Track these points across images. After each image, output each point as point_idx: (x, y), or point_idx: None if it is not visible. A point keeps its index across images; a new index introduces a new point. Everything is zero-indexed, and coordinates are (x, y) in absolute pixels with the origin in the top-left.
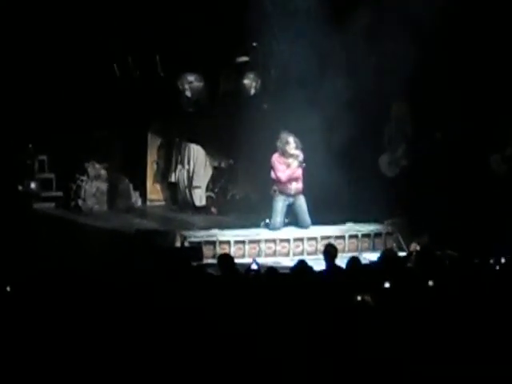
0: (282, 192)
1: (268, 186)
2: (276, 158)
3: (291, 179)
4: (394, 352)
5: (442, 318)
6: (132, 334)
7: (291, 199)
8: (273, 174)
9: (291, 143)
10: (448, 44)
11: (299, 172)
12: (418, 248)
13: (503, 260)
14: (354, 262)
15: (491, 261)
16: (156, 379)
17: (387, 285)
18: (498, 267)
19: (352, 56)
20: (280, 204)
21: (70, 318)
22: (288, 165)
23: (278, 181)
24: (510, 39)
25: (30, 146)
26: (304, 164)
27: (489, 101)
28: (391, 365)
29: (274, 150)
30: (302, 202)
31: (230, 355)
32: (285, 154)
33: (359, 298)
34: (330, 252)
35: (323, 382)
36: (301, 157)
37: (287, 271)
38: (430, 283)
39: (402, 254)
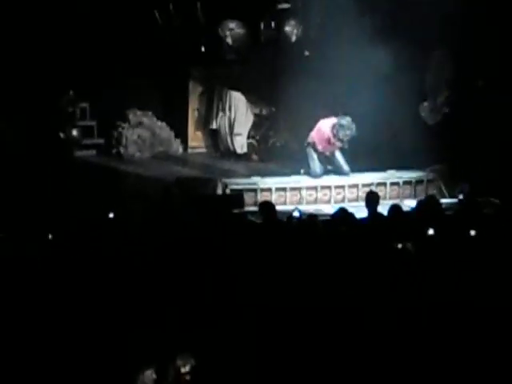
0: (313, 147)
1: (307, 135)
2: (326, 131)
3: (326, 149)
4: (434, 301)
5: (484, 266)
6: (175, 281)
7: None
8: (314, 135)
9: (347, 135)
10: None
11: (336, 149)
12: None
13: None
14: (395, 209)
15: None
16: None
17: (431, 232)
18: None
19: (394, 5)
20: (314, 152)
21: (113, 266)
22: (329, 141)
23: (312, 143)
24: None
25: (71, 92)
26: (344, 147)
27: None
28: (432, 314)
29: (329, 116)
30: (338, 153)
31: (271, 302)
32: (334, 133)
33: (400, 245)
34: (372, 199)
35: (364, 329)
36: (345, 144)
37: (328, 218)
38: (472, 233)
39: (444, 200)
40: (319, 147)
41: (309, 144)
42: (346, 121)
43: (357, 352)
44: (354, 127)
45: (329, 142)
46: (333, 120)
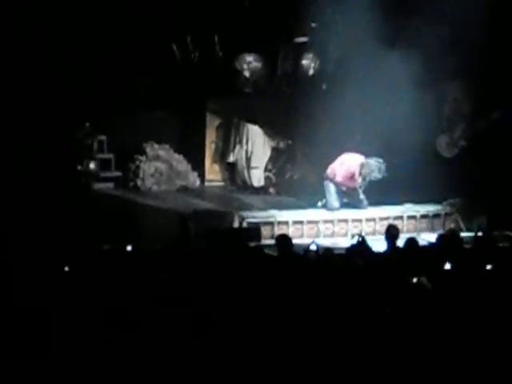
0: (331, 181)
1: (325, 168)
2: (350, 164)
3: (344, 185)
4: (450, 336)
5: (499, 301)
6: (189, 313)
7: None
8: (335, 166)
9: (376, 175)
10: (506, 23)
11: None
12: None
13: None
14: (411, 242)
15: None
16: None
17: (448, 266)
18: None
19: (411, 37)
20: (332, 185)
21: (127, 298)
22: (352, 177)
23: (332, 176)
24: None
25: (88, 124)
26: (362, 187)
27: None
28: (447, 347)
29: (359, 153)
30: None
31: (288, 334)
32: (363, 172)
33: (415, 279)
34: (392, 233)
35: (376, 363)
36: (364, 183)
37: (345, 251)
38: (489, 267)
39: (461, 234)
40: (338, 180)
41: (327, 177)
42: (378, 162)
43: None
44: (384, 169)
45: (351, 178)
46: (360, 157)
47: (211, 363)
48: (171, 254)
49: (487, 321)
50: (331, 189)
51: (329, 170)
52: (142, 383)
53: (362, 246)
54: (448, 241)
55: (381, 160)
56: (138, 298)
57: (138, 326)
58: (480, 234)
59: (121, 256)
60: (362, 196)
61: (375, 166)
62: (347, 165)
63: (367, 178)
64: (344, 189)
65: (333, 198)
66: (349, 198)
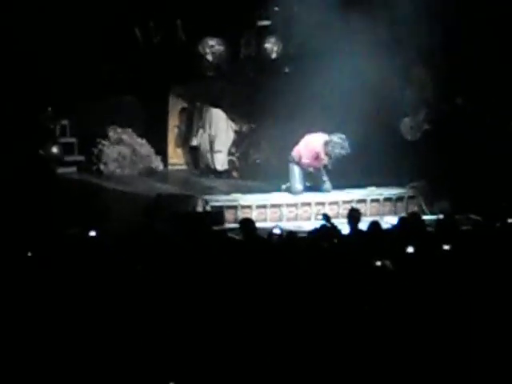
0: (296, 162)
1: (289, 151)
2: (314, 144)
3: (308, 165)
4: (412, 318)
5: (462, 283)
6: (153, 297)
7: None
8: (301, 150)
9: (339, 150)
10: (469, 8)
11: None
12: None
13: None
14: (374, 226)
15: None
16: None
17: (410, 250)
18: None
19: (373, 21)
20: (296, 168)
21: (91, 283)
22: (317, 157)
23: (298, 159)
24: None
25: (50, 109)
26: (328, 166)
27: (510, 64)
28: (408, 331)
29: (322, 132)
30: (321, 170)
31: (250, 318)
32: (327, 150)
33: (379, 263)
34: (354, 216)
35: (339, 348)
36: (329, 161)
37: (310, 234)
38: (447, 247)
39: (424, 217)
40: (305, 161)
41: (293, 159)
42: (341, 138)
43: (334, 371)
44: (347, 145)
45: (317, 158)
46: (323, 136)
47: (177, 347)
48: (135, 237)
49: (449, 302)
50: (296, 172)
51: (294, 153)
52: (105, 369)
53: (326, 227)
54: (410, 224)
55: (343, 136)
56: (103, 283)
57: (102, 311)
58: (442, 216)
59: (84, 241)
60: (325, 177)
61: (338, 143)
62: (311, 146)
63: (332, 155)
64: (311, 169)
65: (297, 181)
66: (313, 181)
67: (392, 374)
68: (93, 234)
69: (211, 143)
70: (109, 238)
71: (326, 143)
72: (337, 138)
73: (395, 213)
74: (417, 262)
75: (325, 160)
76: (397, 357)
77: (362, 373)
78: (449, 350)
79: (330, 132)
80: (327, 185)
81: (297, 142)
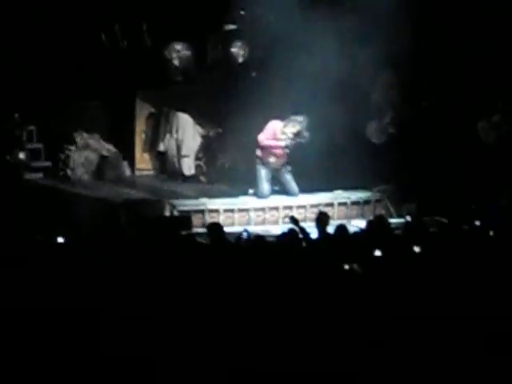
0: (262, 160)
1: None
2: (273, 124)
3: (270, 150)
4: (382, 320)
5: (431, 285)
6: (120, 302)
7: (273, 170)
8: (259, 137)
9: (295, 126)
10: (435, 13)
11: (281, 152)
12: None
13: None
14: (341, 229)
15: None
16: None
17: (378, 253)
18: (486, 232)
19: (340, 26)
20: (263, 171)
21: (58, 288)
22: (275, 137)
23: (257, 142)
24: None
25: (16, 115)
26: (287, 150)
27: (475, 68)
28: (378, 333)
29: (278, 117)
30: (286, 171)
31: (219, 323)
32: (284, 128)
33: (347, 266)
34: (322, 220)
35: (311, 350)
36: (289, 141)
37: (277, 239)
38: (417, 249)
39: (391, 220)
40: (265, 144)
41: (257, 154)
42: (299, 118)
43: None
44: (305, 126)
45: (274, 135)
46: (280, 122)
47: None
48: (102, 243)
49: (417, 305)
50: (262, 175)
51: (257, 150)
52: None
53: (294, 231)
54: (377, 227)
55: (301, 118)
56: (71, 289)
57: (70, 317)
58: (409, 219)
59: (52, 247)
60: (292, 182)
61: (297, 121)
62: (269, 125)
63: (291, 135)
64: (270, 166)
65: (264, 185)
66: (280, 185)
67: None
68: (61, 240)
69: (178, 148)
70: (77, 244)
71: (285, 125)
72: (294, 117)
73: (363, 216)
74: (385, 265)
75: (284, 140)
76: (365, 361)
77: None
78: (415, 350)
79: None
80: (294, 189)
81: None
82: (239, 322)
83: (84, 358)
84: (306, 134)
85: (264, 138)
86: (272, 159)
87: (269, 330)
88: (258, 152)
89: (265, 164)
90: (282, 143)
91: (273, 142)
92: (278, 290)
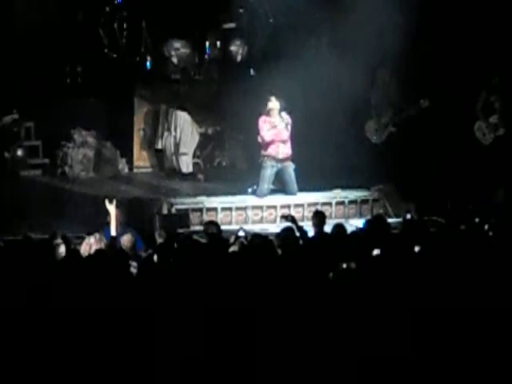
0: (269, 157)
1: (255, 153)
2: (261, 119)
3: (277, 141)
4: (379, 321)
5: (429, 284)
6: (119, 300)
7: (279, 165)
8: (259, 138)
9: (276, 106)
10: (434, 11)
11: (286, 134)
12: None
13: (487, 226)
14: (338, 228)
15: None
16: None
17: (376, 252)
18: (485, 232)
19: (338, 24)
20: (268, 171)
21: (54, 287)
22: (273, 125)
23: (263, 141)
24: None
25: (15, 111)
26: (289, 126)
27: (474, 67)
28: (375, 334)
29: (260, 114)
30: (290, 169)
31: (217, 321)
32: (271, 115)
33: (344, 265)
34: (319, 218)
35: (307, 352)
36: (287, 119)
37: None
38: (416, 249)
39: (389, 220)
40: (267, 138)
41: (264, 157)
42: (268, 97)
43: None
44: (278, 98)
45: (268, 125)
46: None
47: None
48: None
49: (416, 304)
50: (266, 175)
51: (261, 146)
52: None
53: (291, 229)
54: (375, 226)
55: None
56: (69, 288)
57: (68, 315)
58: (409, 216)
59: (47, 246)
60: (292, 180)
61: (272, 99)
62: (259, 125)
63: (284, 119)
64: (280, 157)
65: (264, 185)
66: (280, 183)
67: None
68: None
69: (176, 146)
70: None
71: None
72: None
73: (360, 215)
74: (383, 265)
75: (272, 122)
76: (364, 359)
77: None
78: (414, 349)
79: (293, 136)
80: (294, 187)
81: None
82: (237, 320)
83: (81, 360)
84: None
85: (267, 133)
86: (280, 149)
87: (266, 329)
88: (264, 151)
89: (272, 159)
90: (283, 124)
91: (275, 130)
92: (274, 288)
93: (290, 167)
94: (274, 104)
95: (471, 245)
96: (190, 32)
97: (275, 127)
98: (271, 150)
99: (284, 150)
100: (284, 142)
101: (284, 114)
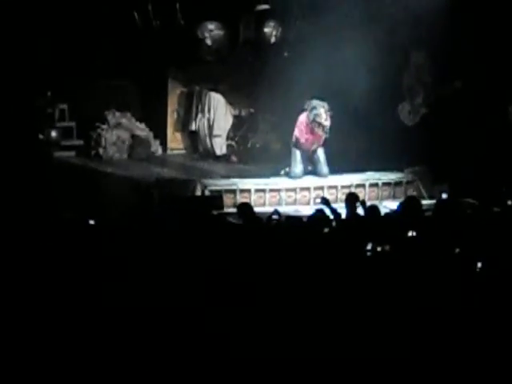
0: (298, 143)
1: (288, 135)
2: (303, 121)
3: (311, 141)
4: (411, 304)
5: (464, 266)
6: (152, 282)
7: (308, 150)
8: (296, 131)
9: (322, 114)
10: None
11: (322, 140)
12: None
13: None
14: (372, 210)
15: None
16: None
17: (410, 234)
18: None
19: (372, 7)
20: (299, 153)
21: (88, 268)
22: (312, 131)
23: (296, 139)
24: None
25: (49, 93)
26: (327, 134)
27: (508, 49)
28: (407, 316)
29: (303, 110)
30: (320, 152)
31: (250, 302)
32: (313, 124)
33: (379, 248)
34: (351, 200)
35: (337, 332)
36: (327, 126)
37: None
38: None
39: (423, 202)
40: (302, 141)
41: (293, 143)
42: (314, 102)
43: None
44: (325, 104)
45: (307, 130)
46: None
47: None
48: (134, 222)
49: (452, 287)
50: (297, 156)
51: (293, 137)
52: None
53: (324, 212)
54: (409, 208)
55: (316, 100)
56: (101, 268)
57: (98, 298)
58: (444, 196)
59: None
60: (323, 163)
61: (314, 104)
62: (298, 122)
63: (315, 118)
64: (313, 148)
65: (297, 166)
66: (313, 165)
67: (389, 367)
68: (91, 222)
69: (210, 127)
70: (106, 224)
71: (307, 113)
72: (310, 103)
73: (394, 197)
74: (417, 247)
75: (317, 129)
76: (396, 346)
77: (358, 363)
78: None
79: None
80: (324, 170)
81: (293, 128)
82: (270, 301)
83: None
84: (325, 109)
85: (302, 137)
86: (311, 146)
87: (299, 310)
88: (293, 138)
89: (301, 146)
90: (322, 132)
91: (312, 136)
92: (307, 270)
93: (320, 151)
94: (321, 118)
95: (504, 227)
96: (223, 14)
97: (312, 133)
98: (304, 146)
99: (315, 146)
100: (318, 140)
101: (326, 122)
